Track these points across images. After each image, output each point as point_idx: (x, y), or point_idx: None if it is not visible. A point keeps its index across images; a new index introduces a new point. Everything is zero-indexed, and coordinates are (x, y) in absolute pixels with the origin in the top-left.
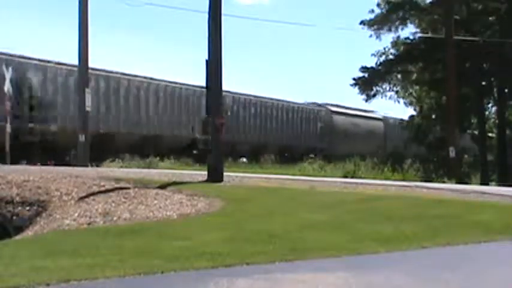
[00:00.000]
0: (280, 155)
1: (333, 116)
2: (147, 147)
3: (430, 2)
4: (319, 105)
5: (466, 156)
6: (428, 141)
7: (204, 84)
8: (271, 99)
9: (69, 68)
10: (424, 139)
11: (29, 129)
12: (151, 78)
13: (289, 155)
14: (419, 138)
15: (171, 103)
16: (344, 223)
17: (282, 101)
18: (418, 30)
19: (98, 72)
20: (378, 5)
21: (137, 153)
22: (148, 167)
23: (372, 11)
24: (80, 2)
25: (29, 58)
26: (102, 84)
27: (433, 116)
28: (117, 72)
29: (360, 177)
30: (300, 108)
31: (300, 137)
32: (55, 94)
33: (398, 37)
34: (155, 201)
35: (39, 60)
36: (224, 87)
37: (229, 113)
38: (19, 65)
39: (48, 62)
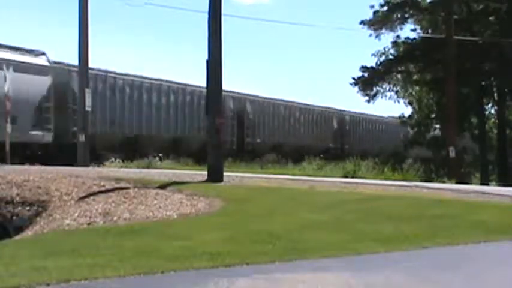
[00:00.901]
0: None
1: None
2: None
3: (430, 2)
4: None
5: (466, 156)
6: (428, 141)
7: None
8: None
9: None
10: (423, 139)
11: None
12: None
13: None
14: (418, 138)
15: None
16: (344, 223)
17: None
18: (418, 30)
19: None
20: (380, 6)
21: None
22: (148, 167)
23: (372, 6)
24: (79, 2)
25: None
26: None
27: (433, 116)
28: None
29: (360, 177)
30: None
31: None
32: None
33: (398, 37)
34: (155, 201)
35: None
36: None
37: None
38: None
39: None
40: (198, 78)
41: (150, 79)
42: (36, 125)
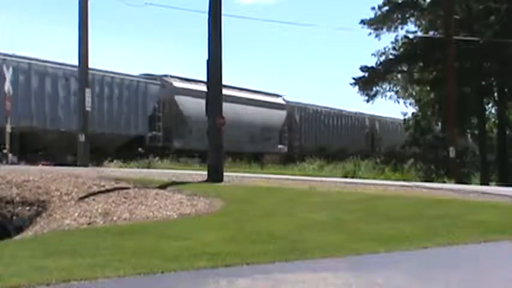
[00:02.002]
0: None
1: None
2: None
3: (431, 2)
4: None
5: (466, 156)
6: (428, 141)
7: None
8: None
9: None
10: (422, 139)
11: None
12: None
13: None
14: (417, 138)
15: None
16: (344, 223)
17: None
18: (418, 30)
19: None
20: (379, 8)
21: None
22: (148, 167)
23: (374, 8)
24: (79, 2)
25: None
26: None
27: (433, 116)
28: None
29: (360, 177)
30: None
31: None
32: None
33: (398, 37)
34: (155, 201)
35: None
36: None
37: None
38: None
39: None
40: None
41: None
42: (280, 141)
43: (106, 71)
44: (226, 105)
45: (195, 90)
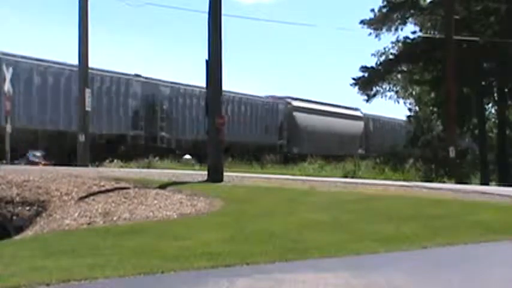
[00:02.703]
0: None
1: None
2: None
3: (431, 2)
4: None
5: (466, 156)
6: (428, 141)
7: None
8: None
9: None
10: (422, 139)
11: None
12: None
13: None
14: (417, 138)
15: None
16: (344, 223)
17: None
18: (418, 30)
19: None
20: (379, 9)
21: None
22: (148, 167)
23: (373, 10)
24: (80, 2)
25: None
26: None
27: (433, 116)
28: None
29: (360, 177)
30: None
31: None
32: None
33: (398, 37)
34: (155, 201)
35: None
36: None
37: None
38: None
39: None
40: (198, 78)
41: None
42: (360, 146)
43: (243, 94)
44: (319, 118)
45: (307, 108)
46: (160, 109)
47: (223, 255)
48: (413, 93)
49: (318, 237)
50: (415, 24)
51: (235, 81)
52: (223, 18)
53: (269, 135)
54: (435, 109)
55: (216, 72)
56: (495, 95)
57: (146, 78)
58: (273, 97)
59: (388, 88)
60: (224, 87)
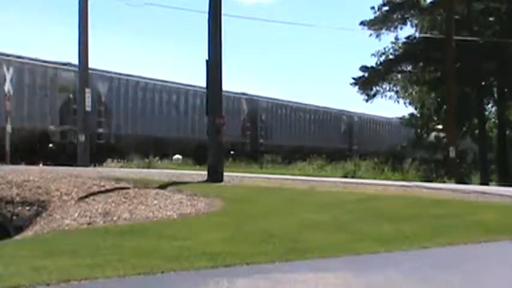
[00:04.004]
0: None
1: None
2: None
3: (431, 2)
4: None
5: (466, 156)
6: (429, 142)
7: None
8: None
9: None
10: (422, 139)
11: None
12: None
13: None
14: (419, 139)
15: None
16: (344, 223)
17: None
18: (418, 30)
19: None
20: (379, 8)
21: None
22: (148, 167)
23: (373, 8)
24: (79, 2)
25: None
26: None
27: (434, 116)
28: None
29: (360, 177)
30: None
31: None
32: None
33: (397, 35)
34: (155, 201)
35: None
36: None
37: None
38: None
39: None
40: (198, 78)
41: None
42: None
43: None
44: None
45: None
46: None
47: (223, 255)
48: (413, 93)
49: (318, 237)
50: (416, 25)
51: (235, 81)
52: (223, 18)
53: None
54: (435, 109)
55: (216, 72)
56: (495, 95)
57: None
58: (326, 108)
59: (388, 88)
60: (224, 87)
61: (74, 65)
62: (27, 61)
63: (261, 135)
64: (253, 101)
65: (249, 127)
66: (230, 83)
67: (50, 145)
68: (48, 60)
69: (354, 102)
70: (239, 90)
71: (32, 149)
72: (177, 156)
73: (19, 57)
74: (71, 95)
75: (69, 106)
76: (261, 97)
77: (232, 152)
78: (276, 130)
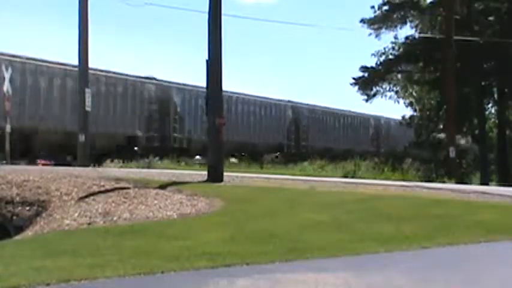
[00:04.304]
0: None
1: None
2: None
3: (431, 2)
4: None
5: (466, 156)
6: (429, 142)
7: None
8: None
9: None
10: (422, 139)
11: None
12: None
13: None
14: (419, 138)
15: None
16: (344, 223)
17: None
18: (418, 30)
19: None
20: (379, 7)
21: None
22: (148, 167)
23: (373, 7)
24: (79, 2)
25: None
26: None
27: (434, 117)
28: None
29: (360, 177)
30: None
31: None
32: None
33: (397, 37)
34: (155, 201)
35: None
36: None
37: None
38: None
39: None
40: (198, 78)
41: None
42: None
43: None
44: None
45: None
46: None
47: (223, 255)
48: (413, 93)
49: (318, 237)
50: (416, 26)
51: (235, 81)
52: (223, 18)
53: None
54: (435, 109)
55: (216, 72)
56: (495, 95)
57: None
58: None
59: (388, 88)
60: (224, 87)
61: (157, 79)
62: (119, 76)
63: (303, 139)
64: (296, 108)
65: (293, 131)
66: (230, 83)
67: (135, 148)
68: (135, 74)
69: (353, 102)
70: (285, 98)
71: (118, 150)
72: (198, 156)
73: (111, 72)
74: (154, 105)
75: (153, 114)
76: (303, 104)
77: (278, 154)
78: (314, 134)
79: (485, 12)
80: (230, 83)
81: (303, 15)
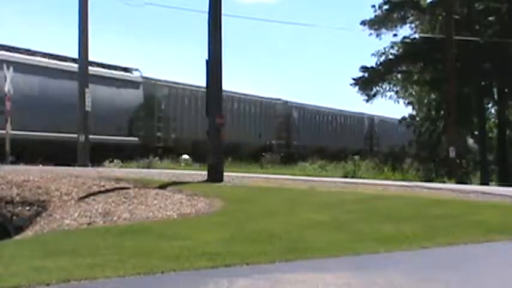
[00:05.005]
0: None
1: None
2: None
3: (431, 2)
4: None
5: (466, 156)
6: (428, 141)
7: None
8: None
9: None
10: (424, 139)
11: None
12: None
13: None
14: (420, 139)
15: None
16: (344, 223)
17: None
18: (418, 30)
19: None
20: (379, 7)
21: None
22: (148, 167)
23: (374, 6)
24: (79, 2)
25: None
26: None
27: (434, 117)
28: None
29: (360, 177)
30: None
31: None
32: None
33: (396, 35)
34: (155, 201)
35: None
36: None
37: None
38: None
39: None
40: (198, 78)
41: None
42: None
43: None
44: None
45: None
46: None
47: (223, 255)
48: (414, 93)
49: (318, 237)
50: (416, 26)
51: (235, 81)
52: (223, 18)
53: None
54: (435, 109)
55: (216, 72)
56: (495, 95)
57: None
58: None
59: (388, 88)
60: (224, 87)
61: (284, 100)
62: (251, 97)
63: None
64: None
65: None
66: (230, 83)
67: (263, 153)
68: (266, 96)
69: (354, 102)
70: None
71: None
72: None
73: (244, 94)
74: (281, 119)
75: (280, 126)
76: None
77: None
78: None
79: (485, 12)
80: (230, 83)
81: (303, 15)
